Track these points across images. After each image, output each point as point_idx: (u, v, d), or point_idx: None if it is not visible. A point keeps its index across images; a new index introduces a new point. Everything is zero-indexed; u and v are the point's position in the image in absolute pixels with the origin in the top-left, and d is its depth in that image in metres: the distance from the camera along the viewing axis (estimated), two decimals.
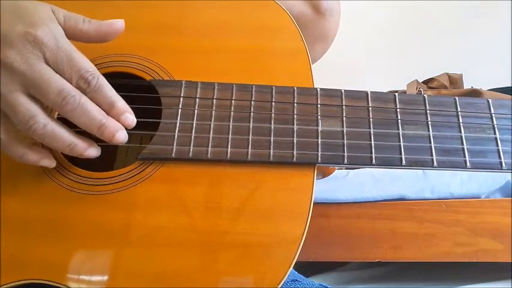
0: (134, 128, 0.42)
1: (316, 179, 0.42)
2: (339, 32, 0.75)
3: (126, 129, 0.40)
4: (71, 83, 0.37)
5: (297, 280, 0.48)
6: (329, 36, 0.62)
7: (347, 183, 0.99)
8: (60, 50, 0.36)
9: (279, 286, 0.36)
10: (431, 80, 1.41)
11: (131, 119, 0.40)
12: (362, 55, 1.71)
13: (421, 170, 0.99)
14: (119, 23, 0.41)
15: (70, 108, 0.36)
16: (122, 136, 0.39)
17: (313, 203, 1.10)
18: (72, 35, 0.39)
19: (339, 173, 1.05)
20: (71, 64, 0.37)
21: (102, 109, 0.38)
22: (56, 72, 0.37)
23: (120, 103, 0.39)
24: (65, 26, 0.38)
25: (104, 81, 0.38)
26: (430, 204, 0.95)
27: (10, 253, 0.38)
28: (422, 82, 1.39)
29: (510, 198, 0.92)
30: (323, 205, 0.98)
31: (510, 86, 1.24)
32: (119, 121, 0.39)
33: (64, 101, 0.36)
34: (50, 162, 0.39)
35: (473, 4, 1.65)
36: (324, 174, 0.47)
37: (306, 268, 1.02)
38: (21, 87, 0.36)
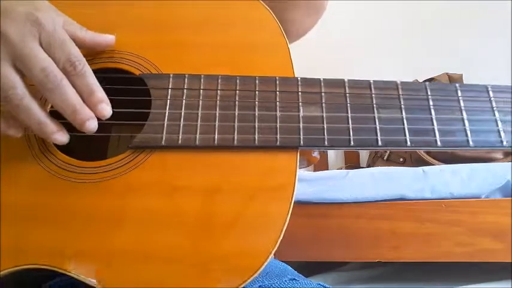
0: (124, 119, 0.43)
1: (302, 167, 0.44)
2: (339, 32, 0.75)
3: (113, 119, 0.42)
4: (58, 65, 0.39)
5: (295, 279, 0.48)
6: (319, 8, 0.64)
7: (347, 183, 1.00)
8: (55, 33, 0.39)
9: (260, 269, 0.38)
10: (431, 80, 1.41)
11: (107, 109, 0.41)
12: (362, 55, 1.71)
13: (421, 170, 1.00)
14: (110, 37, 0.45)
15: (50, 86, 0.38)
16: (92, 125, 0.40)
17: (314, 203, 1.10)
18: None
19: (339, 173, 1.05)
20: (62, 47, 0.39)
21: (82, 95, 0.40)
22: (47, 53, 0.38)
23: (100, 93, 0.41)
24: (63, 28, 0.40)
25: (88, 70, 0.40)
26: (430, 204, 0.95)
27: (7, 239, 0.39)
28: (422, 82, 1.40)
29: (510, 198, 0.93)
30: (323, 205, 0.98)
31: (510, 85, 1.24)
32: (95, 110, 0.41)
33: (46, 78, 0.38)
34: (16, 132, 0.40)
35: (473, 4, 1.65)
36: (308, 162, 0.50)
37: (306, 268, 1.03)
38: (10, 58, 0.38)
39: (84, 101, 0.40)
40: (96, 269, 0.38)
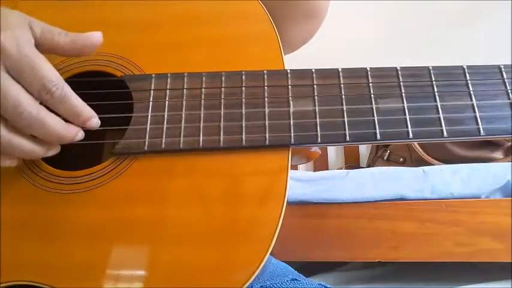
0: (110, 124, 0.42)
1: (302, 163, 0.42)
2: (337, 32, 0.75)
3: (102, 124, 0.40)
4: (33, 93, 0.35)
5: (296, 279, 0.48)
6: (319, 14, 0.59)
7: (347, 183, 0.99)
8: (22, 57, 0.35)
9: (257, 271, 0.36)
10: None
11: (96, 122, 0.39)
12: (361, 55, 1.71)
13: (421, 170, 0.99)
14: (96, 36, 0.39)
15: (27, 123, 0.35)
16: (79, 137, 0.39)
17: (314, 203, 1.09)
18: (49, 48, 0.38)
19: (339, 172, 1.05)
20: (33, 73, 0.35)
21: (66, 119, 0.38)
22: (17, 81, 0.35)
23: (85, 113, 0.38)
24: (41, 38, 0.37)
25: (68, 91, 0.37)
26: (430, 204, 0.95)
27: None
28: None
29: (510, 198, 0.92)
30: (323, 205, 0.98)
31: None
32: (83, 127, 0.39)
33: (20, 116, 0.34)
34: (11, 162, 0.38)
35: (474, 4, 1.65)
36: (308, 158, 0.47)
37: (306, 268, 1.03)
38: None
39: (69, 122, 0.38)
40: (83, 283, 0.37)
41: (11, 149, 0.36)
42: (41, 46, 0.38)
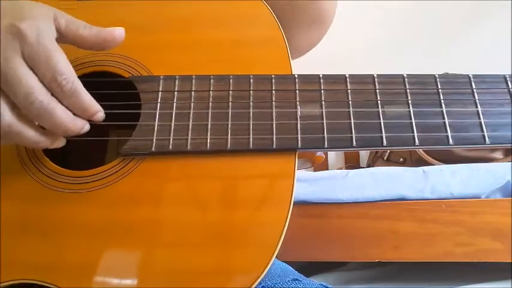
0: (120, 120, 0.42)
1: (307, 168, 0.42)
2: (337, 32, 0.75)
3: (108, 121, 0.41)
4: (44, 82, 0.36)
5: (297, 279, 0.48)
6: (326, 18, 0.60)
7: (347, 183, 0.99)
8: (40, 47, 0.35)
9: (262, 275, 0.36)
10: None
11: (101, 116, 0.40)
12: (361, 55, 1.71)
13: (422, 170, 0.99)
14: (119, 31, 0.40)
15: (36, 112, 0.36)
16: (85, 130, 0.40)
17: (314, 203, 1.10)
18: (72, 40, 0.39)
19: (339, 173, 1.05)
20: (48, 63, 0.36)
21: (73, 112, 0.38)
22: (31, 68, 0.36)
23: (93, 108, 0.39)
24: (66, 30, 0.38)
25: (78, 86, 0.38)
26: (430, 204, 0.95)
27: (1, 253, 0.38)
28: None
29: (510, 198, 0.92)
30: (323, 205, 0.98)
31: None
32: (89, 120, 0.40)
33: (31, 105, 0.35)
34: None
35: (474, 4, 1.65)
36: (313, 162, 0.48)
37: (306, 268, 1.03)
38: None
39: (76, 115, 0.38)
40: (86, 283, 0.37)
41: (18, 137, 0.37)
42: (65, 38, 0.38)
